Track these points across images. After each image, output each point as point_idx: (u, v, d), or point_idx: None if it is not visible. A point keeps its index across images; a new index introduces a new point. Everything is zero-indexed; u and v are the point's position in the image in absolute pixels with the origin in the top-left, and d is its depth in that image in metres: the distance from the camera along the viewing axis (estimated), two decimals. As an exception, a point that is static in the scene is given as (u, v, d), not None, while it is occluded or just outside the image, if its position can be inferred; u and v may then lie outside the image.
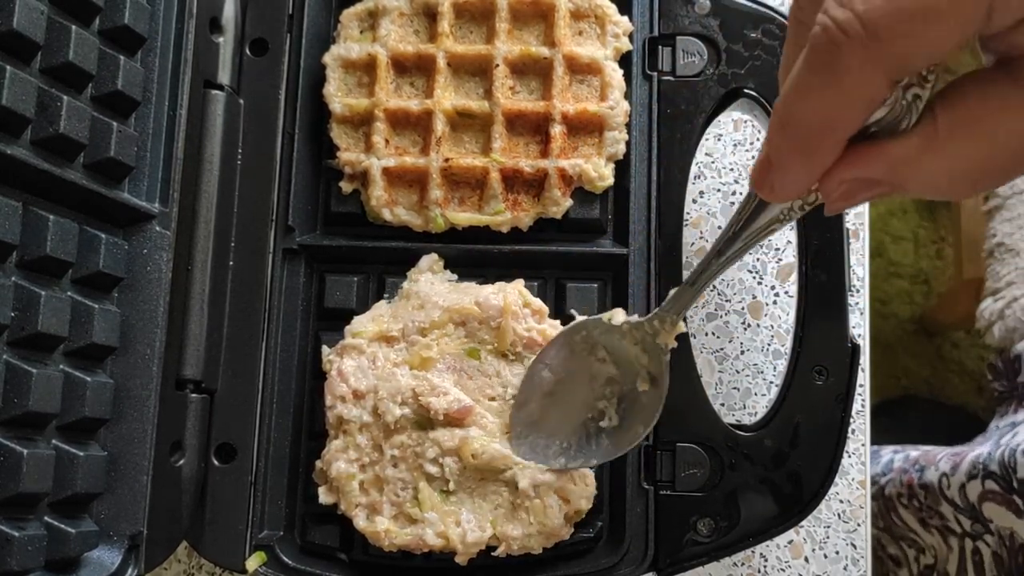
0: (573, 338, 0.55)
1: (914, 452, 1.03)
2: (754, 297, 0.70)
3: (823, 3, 0.31)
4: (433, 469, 0.55)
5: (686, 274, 0.68)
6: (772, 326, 0.69)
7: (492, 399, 0.56)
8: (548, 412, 0.55)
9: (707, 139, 0.71)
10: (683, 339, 0.57)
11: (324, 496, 0.56)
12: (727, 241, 0.45)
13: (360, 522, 0.55)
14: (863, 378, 0.68)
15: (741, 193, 0.71)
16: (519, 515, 0.54)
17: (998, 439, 0.96)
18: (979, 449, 0.91)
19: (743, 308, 0.70)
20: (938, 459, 0.96)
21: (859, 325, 0.68)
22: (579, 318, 0.56)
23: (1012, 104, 0.33)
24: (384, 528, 0.54)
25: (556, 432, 0.55)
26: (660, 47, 0.60)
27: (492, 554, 0.55)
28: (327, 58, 0.60)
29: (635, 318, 0.53)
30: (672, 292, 0.51)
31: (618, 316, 0.54)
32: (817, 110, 0.33)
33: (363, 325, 0.58)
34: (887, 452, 1.08)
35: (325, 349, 0.59)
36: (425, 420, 0.55)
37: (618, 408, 0.54)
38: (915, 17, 0.29)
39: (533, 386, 0.55)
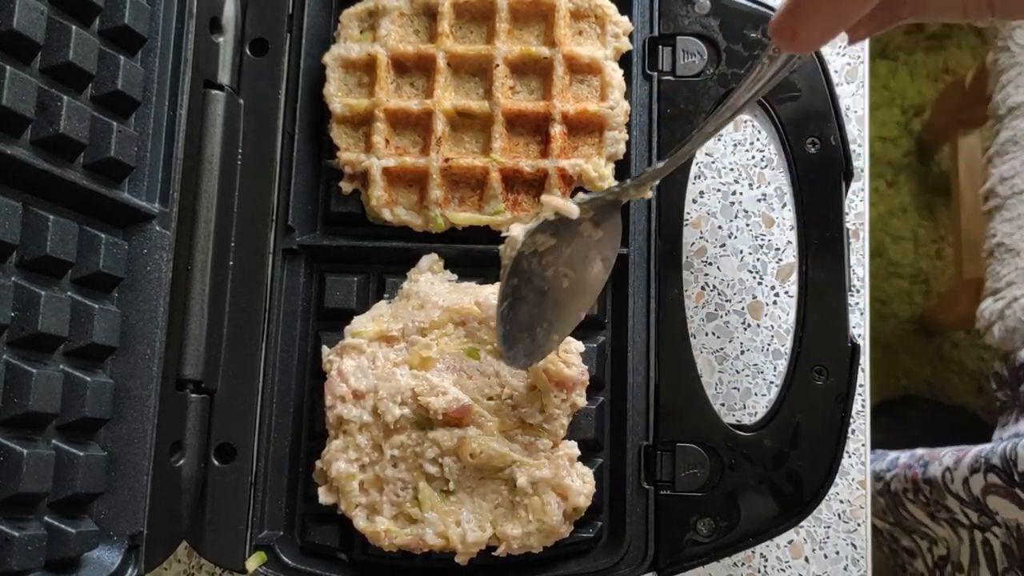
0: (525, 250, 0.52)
1: (920, 450, 1.03)
2: (754, 297, 0.70)
3: None
4: (433, 469, 0.55)
5: (686, 274, 0.68)
6: (772, 326, 0.69)
7: (491, 399, 0.56)
8: (526, 312, 0.53)
9: (707, 139, 0.71)
10: (683, 339, 0.57)
11: (324, 496, 0.56)
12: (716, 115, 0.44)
13: (360, 522, 0.55)
14: (863, 378, 0.68)
15: (741, 193, 0.71)
16: (518, 513, 0.54)
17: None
18: (981, 445, 0.91)
19: (743, 308, 0.70)
20: (942, 455, 0.97)
21: (859, 325, 0.68)
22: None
23: None
24: (384, 528, 0.54)
25: (536, 324, 0.53)
26: (660, 47, 0.60)
27: (492, 554, 0.55)
28: (327, 58, 0.60)
29: (589, 195, 0.52)
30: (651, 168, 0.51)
31: (570, 206, 0.51)
32: None
33: (363, 325, 0.58)
34: (893, 452, 1.08)
35: (325, 349, 0.59)
36: (424, 420, 0.55)
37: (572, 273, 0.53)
38: None
39: (509, 297, 0.53)
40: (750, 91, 0.41)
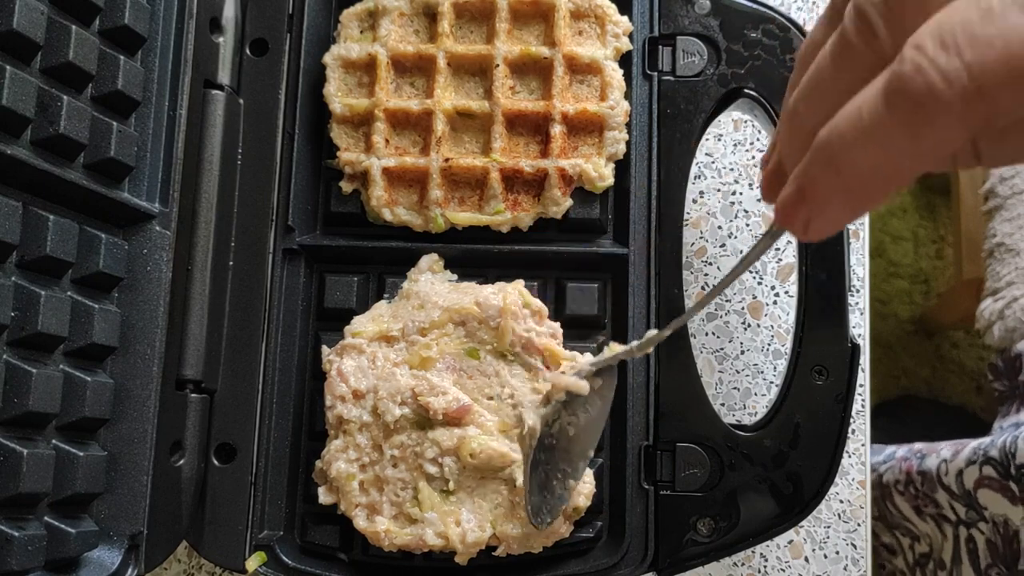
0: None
1: (919, 444, 1.03)
2: (754, 297, 0.70)
3: (901, 19, 0.27)
4: (432, 469, 0.55)
5: (686, 274, 0.68)
6: (772, 326, 0.69)
7: (491, 398, 0.56)
8: (542, 473, 0.53)
9: (707, 139, 0.71)
10: (683, 339, 0.57)
11: (324, 496, 0.56)
12: (718, 287, 0.41)
13: (360, 522, 0.55)
14: (863, 378, 0.68)
15: (741, 193, 0.71)
16: (518, 513, 0.54)
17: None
18: (982, 439, 0.91)
19: (743, 308, 0.70)
20: (940, 448, 0.97)
21: (859, 325, 0.68)
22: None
23: None
24: (384, 528, 0.54)
25: (552, 479, 0.53)
26: (660, 47, 0.60)
27: (492, 554, 0.55)
28: (327, 58, 0.60)
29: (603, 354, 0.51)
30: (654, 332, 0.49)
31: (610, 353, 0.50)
32: (885, 156, 0.28)
33: (363, 325, 0.58)
34: (892, 446, 1.08)
35: (325, 349, 0.59)
36: (424, 420, 0.55)
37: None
38: None
39: (530, 472, 0.52)
40: (751, 263, 0.39)
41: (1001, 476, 0.85)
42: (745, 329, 0.69)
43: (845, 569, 0.66)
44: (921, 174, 0.30)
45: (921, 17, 0.27)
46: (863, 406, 0.68)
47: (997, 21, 0.25)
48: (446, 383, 0.55)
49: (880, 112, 0.27)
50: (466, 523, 0.54)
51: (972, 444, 0.91)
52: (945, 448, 0.96)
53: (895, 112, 0.27)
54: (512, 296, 0.56)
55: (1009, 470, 0.84)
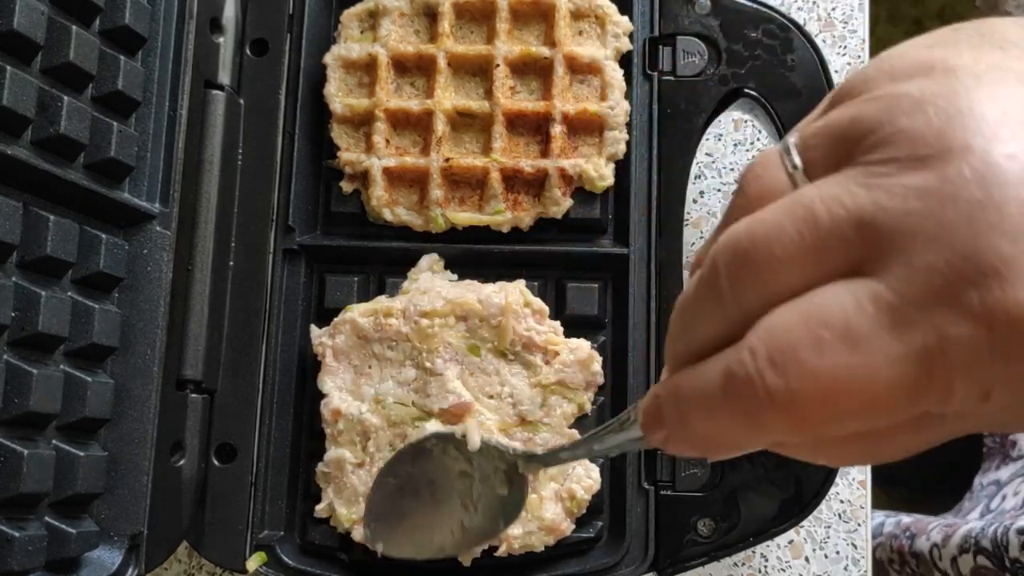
0: (423, 445, 0.49)
1: (906, 518, 1.03)
2: (754, 297, 0.70)
3: (744, 296, 0.26)
4: None
5: (686, 275, 0.68)
6: (772, 326, 0.69)
7: (491, 397, 0.56)
8: (411, 513, 0.49)
9: (707, 139, 0.71)
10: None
11: (322, 512, 0.56)
12: (596, 436, 0.38)
13: (358, 536, 0.55)
14: (863, 378, 0.68)
15: (741, 193, 0.71)
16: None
17: (987, 505, 0.96)
18: (971, 523, 0.91)
19: (743, 308, 0.69)
20: (929, 528, 0.96)
21: (859, 325, 0.68)
22: (430, 430, 0.53)
23: None
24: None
25: (418, 530, 0.49)
26: (660, 47, 0.60)
27: (495, 554, 0.55)
28: (327, 58, 0.60)
29: (493, 440, 0.49)
30: (545, 450, 0.48)
31: (473, 438, 0.47)
32: (723, 433, 0.28)
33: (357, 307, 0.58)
34: (878, 514, 1.08)
35: (315, 329, 0.58)
36: (424, 415, 0.55)
37: (478, 503, 0.47)
38: (851, 414, 0.25)
39: (390, 492, 0.49)
40: (615, 439, 0.36)
41: (997, 567, 0.85)
42: (745, 329, 0.69)
43: (845, 569, 0.66)
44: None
45: (764, 302, 0.26)
46: (863, 406, 0.68)
47: (825, 355, 0.24)
48: (450, 374, 0.55)
49: (718, 396, 0.27)
50: None
51: (962, 530, 0.90)
52: (935, 530, 0.95)
53: (731, 404, 0.27)
54: (514, 295, 0.56)
55: (1003, 562, 0.84)
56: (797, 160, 0.28)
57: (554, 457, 0.44)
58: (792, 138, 0.28)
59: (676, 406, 0.29)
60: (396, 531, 0.49)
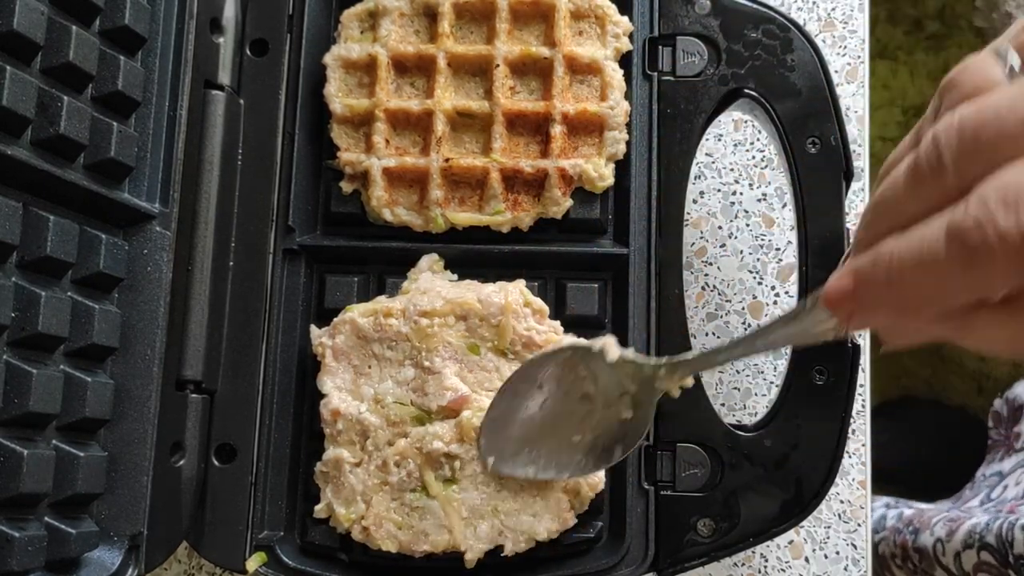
0: (558, 358, 0.52)
1: (908, 511, 1.03)
2: (754, 297, 0.70)
3: (970, 165, 0.30)
4: (438, 447, 0.55)
5: (686, 274, 0.68)
6: (772, 326, 0.69)
7: (490, 392, 0.56)
8: (524, 427, 0.53)
9: (707, 139, 0.71)
10: (683, 339, 0.57)
11: (321, 512, 0.56)
12: (764, 330, 0.42)
13: (357, 534, 0.55)
14: (863, 378, 0.68)
15: (741, 193, 0.71)
16: (521, 496, 0.54)
17: (987, 494, 0.96)
18: (976, 518, 0.91)
19: (743, 308, 0.70)
20: (933, 523, 0.96)
21: (859, 325, 0.68)
22: (566, 341, 0.55)
23: None
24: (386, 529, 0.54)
25: (529, 444, 0.53)
26: (660, 47, 0.60)
27: (501, 555, 0.55)
28: (327, 58, 0.60)
29: (631, 353, 0.51)
30: (694, 353, 0.49)
31: (611, 350, 0.50)
32: (936, 286, 0.31)
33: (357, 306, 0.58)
34: (879, 507, 1.07)
35: (314, 329, 0.58)
36: (424, 415, 0.55)
37: (595, 428, 0.51)
38: None
39: (510, 404, 0.53)
40: (785, 331, 0.40)
41: (1000, 563, 0.85)
42: (745, 329, 0.69)
43: (845, 569, 0.66)
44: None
45: (989, 168, 0.29)
46: (863, 406, 0.68)
47: None
48: (448, 371, 0.55)
49: (939, 250, 0.30)
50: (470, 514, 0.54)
51: (966, 525, 0.90)
52: (938, 525, 0.95)
53: (952, 253, 0.30)
54: (514, 295, 0.56)
55: (1007, 558, 0.84)
56: (1015, 61, 0.32)
57: (706, 359, 0.45)
58: (1003, 43, 0.33)
59: (885, 269, 0.32)
60: (508, 447, 0.52)
